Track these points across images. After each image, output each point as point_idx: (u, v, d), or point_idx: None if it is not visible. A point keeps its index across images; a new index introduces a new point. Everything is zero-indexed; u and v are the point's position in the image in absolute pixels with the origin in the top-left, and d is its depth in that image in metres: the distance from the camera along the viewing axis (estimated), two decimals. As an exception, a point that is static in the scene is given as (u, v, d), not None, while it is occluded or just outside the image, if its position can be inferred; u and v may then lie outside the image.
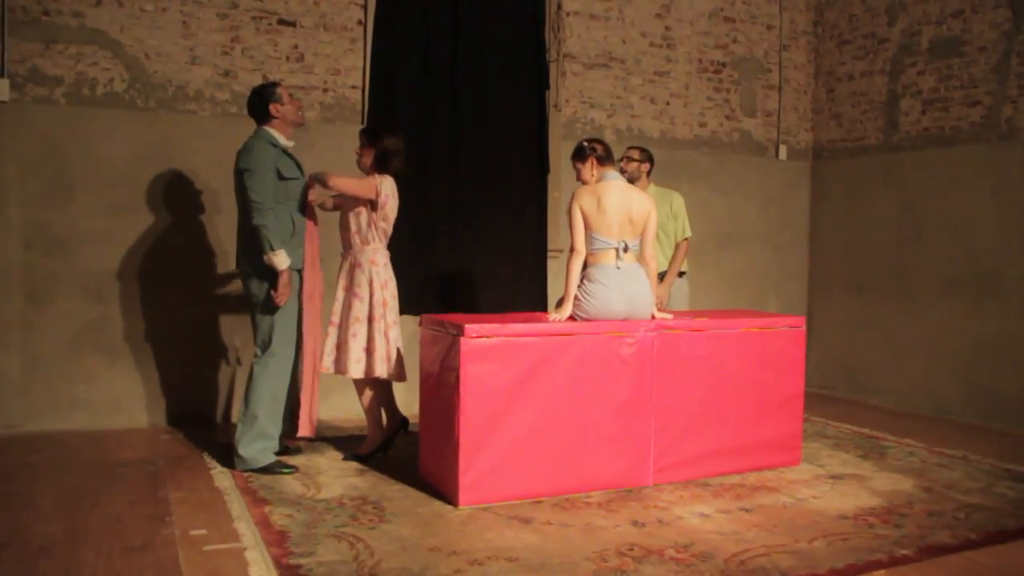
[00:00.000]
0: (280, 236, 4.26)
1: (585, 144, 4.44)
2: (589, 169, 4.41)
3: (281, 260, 4.24)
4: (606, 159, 4.40)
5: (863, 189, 7.08)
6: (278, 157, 4.33)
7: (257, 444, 4.33)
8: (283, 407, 4.45)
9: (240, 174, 4.30)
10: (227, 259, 5.54)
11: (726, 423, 4.51)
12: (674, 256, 5.46)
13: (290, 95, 4.52)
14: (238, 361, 5.60)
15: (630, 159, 5.45)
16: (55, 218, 5.17)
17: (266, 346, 4.37)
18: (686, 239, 5.48)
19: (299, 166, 4.47)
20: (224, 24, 5.52)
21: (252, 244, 4.29)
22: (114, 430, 5.22)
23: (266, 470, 4.31)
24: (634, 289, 4.25)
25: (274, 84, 4.50)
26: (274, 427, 4.39)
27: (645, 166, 5.47)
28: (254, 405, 4.33)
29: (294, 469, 4.36)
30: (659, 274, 5.40)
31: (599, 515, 3.80)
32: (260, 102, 4.43)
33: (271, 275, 4.29)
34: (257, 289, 4.37)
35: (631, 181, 5.41)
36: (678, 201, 5.51)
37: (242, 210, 4.37)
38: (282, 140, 4.43)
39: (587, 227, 4.26)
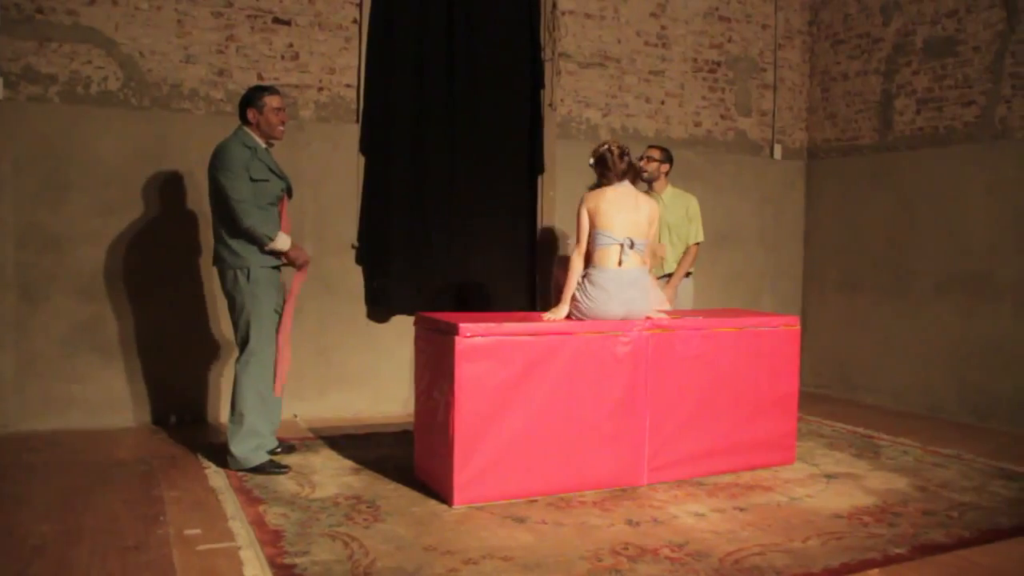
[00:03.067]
0: (269, 226, 4.29)
1: (593, 162, 4.35)
2: (604, 181, 4.34)
3: (283, 242, 4.32)
4: (613, 178, 4.28)
5: (858, 188, 7.09)
6: (250, 159, 4.30)
7: (248, 442, 4.33)
8: (271, 404, 4.44)
9: (214, 176, 4.31)
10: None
11: (721, 422, 4.52)
12: (683, 259, 5.43)
13: (277, 109, 4.41)
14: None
15: (650, 159, 5.39)
16: (49, 217, 5.15)
17: (245, 344, 4.38)
18: (697, 244, 5.47)
19: (272, 169, 4.40)
20: (219, 23, 5.51)
21: (227, 244, 4.31)
22: (108, 429, 5.21)
23: (259, 470, 4.30)
24: (632, 295, 4.23)
25: (264, 90, 4.44)
26: (263, 424, 4.39)
27: (665, 167, 5.45)
28: (240, 404, 4.33)
29: (287, 469, 4.36)
30: (666, 275, 5.41)
31: (594, 514, 3.81)
32: (242, 102, 4.43)
33: (247, 274, 4.31)
34: (233, 288, 4.37)
35: (649, 181, 5.40)
36: (694, 205, 5.49)
37: (216, 210, 4.37)
38: (259, 142, 4.40)
39: (592, 225, 4.25)
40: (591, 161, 4.36)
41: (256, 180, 4.30)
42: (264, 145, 4.44)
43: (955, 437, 5.53)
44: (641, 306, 4.29)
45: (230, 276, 4.36)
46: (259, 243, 4.27)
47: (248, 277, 4.32)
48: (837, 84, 7.33)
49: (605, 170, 4.31)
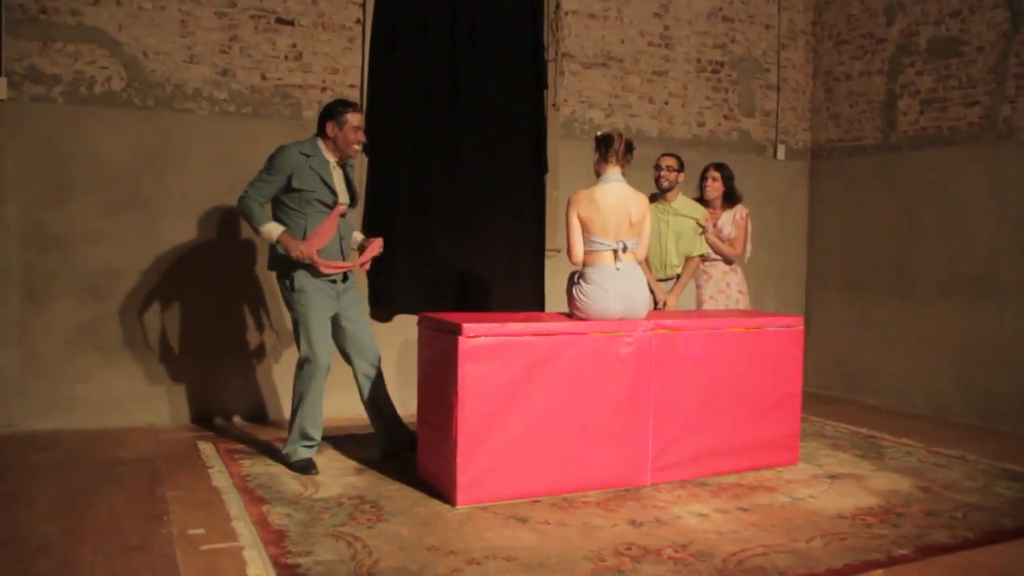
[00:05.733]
0: (266, 217, 4.28)
1: (598, 136, 4.41)
2: (599, 162, 4.39)
3: (270, 232, 4.24)
4: (612, 157, 4.34)
5: (861, 189, 7.09)
6: (300, 166, 4.25)
7: (296, 444, 4.40)
8: (319, 410, 4.44)
9: None
10: (224, 258, 5.54)
11: (724, 423, 4.51)
12: (686, 269, 5.42)
13: (356, 128, 4.34)
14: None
15: (669, 168, 5.36)
16: (53, 217, 5.16)
17: (298, 349, 4.43)
18: (701, 255, 5.46)
19: (326, 181, 4.30)
20: (222, 23, 5.51)
21: (275, 250, 4.32)
22: (112, 429, 5.21)
23: (297, 466, 4.35)
24: (630, 288, 4.24)
25: (348, 106, 4.38)
26: (312, 427, 4.41)
27: (682, 176, 5.43)
28: (293, 405, 4.44)
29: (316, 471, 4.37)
30: (669, 279, 5.40)
31: (597, 514, 3.81)
32: (323, 114, 4.40)
33: (292, 282, 4.32)
34: (283, 293, 4.44)
35: (666, 191, 5.39)
36: (703, 216, 5.49)
37: (272, 211, 4.38)
38: (324, 155, 4.35)
39: (585, 230, 4.26)
40: (598, 134, 4.41)
41: (297, 189, 4.26)
42: (334, 160, 4.38)
43: (959, 438, 5.53)
44: (641, 297, 4.29)
45: (282, 283, 4.41)
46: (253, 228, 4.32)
47: (292, 285, 4.33)
48: (840, 84, 7.32)
49: (607, 151, 4.33)
